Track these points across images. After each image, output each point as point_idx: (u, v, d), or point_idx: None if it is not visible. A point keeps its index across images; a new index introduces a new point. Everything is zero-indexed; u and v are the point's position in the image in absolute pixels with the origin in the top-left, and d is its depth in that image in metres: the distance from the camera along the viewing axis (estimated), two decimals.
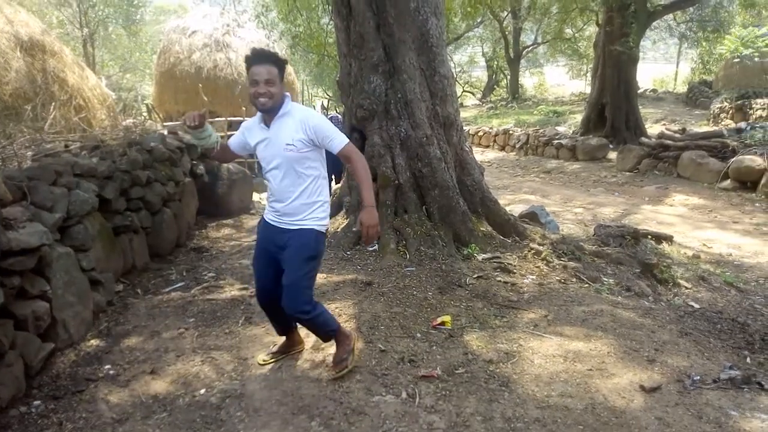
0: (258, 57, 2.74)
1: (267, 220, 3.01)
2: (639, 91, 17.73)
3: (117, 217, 4.60)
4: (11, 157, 4.33)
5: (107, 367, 3.19)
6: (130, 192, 4.88)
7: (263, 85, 2.70)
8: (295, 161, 2.79)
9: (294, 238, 2.85)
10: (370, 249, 2.52)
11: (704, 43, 20.63)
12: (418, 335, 3.61)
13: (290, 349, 3.32)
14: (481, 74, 37.88)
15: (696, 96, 20.23)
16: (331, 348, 3.37)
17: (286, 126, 2.79)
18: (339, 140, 2.82)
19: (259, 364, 3.21)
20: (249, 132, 2.94)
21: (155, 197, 5.27)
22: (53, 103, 6.85)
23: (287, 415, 2.73)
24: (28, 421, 2.69)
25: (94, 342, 3.49)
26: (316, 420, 2.67)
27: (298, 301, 2.82)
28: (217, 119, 12.45)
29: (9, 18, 7.78)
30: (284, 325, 3.25)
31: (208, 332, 3.64)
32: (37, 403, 2.84)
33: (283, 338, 3.31)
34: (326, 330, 3.06)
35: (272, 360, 3.23)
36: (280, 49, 16.79)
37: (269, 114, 2.80)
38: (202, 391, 2.95)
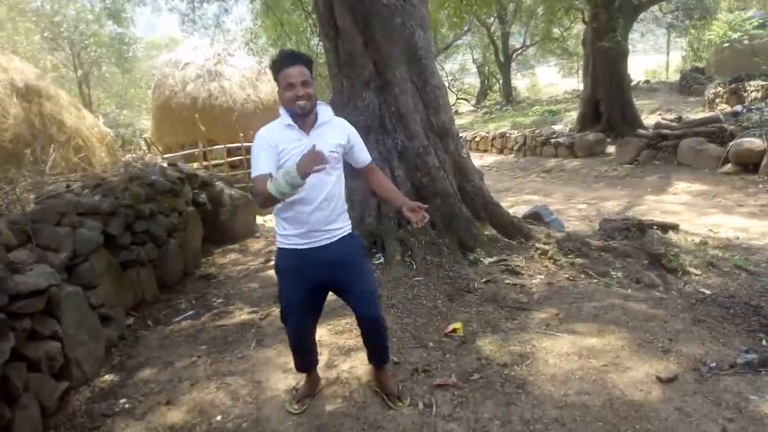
0: (289, 58, 2.54)
1: (298, 247, 2.62)
2: (632, 84, 17.77)
3: (123, 251, 4.63)
4: (14, 201, 4.37)
5: (122, 401, 3.19)
6: (135, 226, 4.91)
7: (301, 87, 2.48)
8: (333, 167, 2.58)
9: (344, 246, 2.65)
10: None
11: (692, 31, 20.73)
12: (431, 344, 3.60)
13: (315, 388, 3.08)
14: (473, 80, 38.12)
15: (689, 83, 20.26)
16: (344, 364, 3.37)
17: (328, 131, 2.60)
18: (366, 152, 2.77)
19: (292, 412, 2.93)
20: (274, 141, 2.52)
21: (160, 229, 5.30)
22: (52, 146, 6.92)
23: None
24: None
25: (108, 377, 3.49)
26: None
27: (378, 308, 2.70)
28: (216, 147, 12.55)
29: (3, 66, 7.89)
30: (313, 359, 3.03)
31: (221, 358, 3.64)
32: None
33: (304, 377, 3.08)
34: (387, 345, 2.90)
35: (304, 407, 2.96)
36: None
37: (306, 117, 2.55)
38: (219, 418, 2.95)
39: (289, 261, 2.66)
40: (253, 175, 2.51)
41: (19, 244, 3.38)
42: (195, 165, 10.19)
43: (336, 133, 2.63)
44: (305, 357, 2.98)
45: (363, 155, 2.75)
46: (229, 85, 15.78)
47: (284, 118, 2.57)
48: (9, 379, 2.68)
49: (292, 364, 3.11)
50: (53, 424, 2.98)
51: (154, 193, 5.53)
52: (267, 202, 2.40)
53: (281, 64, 2.53)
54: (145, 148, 13.59)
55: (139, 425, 2.95)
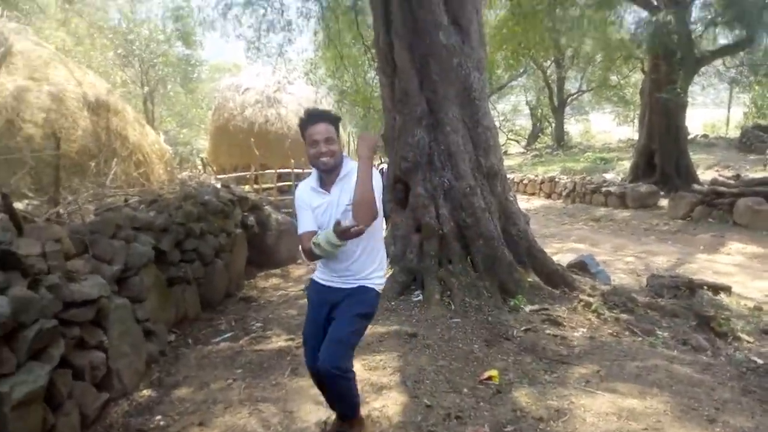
0: (315, 117, 2.65)
1: (319, 281, 2.81)
2: (689, 137, 17.32)
3: (171, 268, 4.78)
4: (76, 211, 4.60)
5: (158, 417, 3.26)
6: (185, 244, 5.07)
7: (324, 144, 2.59)
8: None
9: (353, 294, 2.71)
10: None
11: (757, 87, 20.14)
12: (465, 390, 3.54)
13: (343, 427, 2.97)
14: (525, 122, 37.95)
15: (750, 141, 19.58)
16: (375, 402, 3.35)
17: (347, 186, 2.62)
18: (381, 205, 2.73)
19: None
20: (306, 202, 2.71)
21: (208, 249, 5.45)
22: (115, 159, 7.25)
23: None
24: None
25: (146, 392, 3.58)
26: None
27: (337, 356, 2.58)
28: (267, 171, 12.87)
29: (79, 80, 8.39)
30: None
31: (256, 383, 3.68)
32: None
33: (335, 413, 3.00)
34: (352, 400, 2.80)
35: None
36: (328, 103, 17.40)
37: (330, 174, 2.67)
38: None
39: (311, 291, 2.87)
40: (299, 232, 2.73)
41: (77, 254, 3.54)
42: (246, 188, 10.47)
43: (351, 185, 2.60)
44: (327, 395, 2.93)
45: (383, 205, 2.80)
46: (286, 113, 16.24)
47: (312, 177, 2.75)
48: (55, 385, 2.78)
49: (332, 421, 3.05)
50: None
51: (206, 213, 5.72)
52: (313, 257, 2.65)
53: (307, 121, 2.64)
54: (200, 167, 14.08)
55: None
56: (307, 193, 2.74)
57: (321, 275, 2.82)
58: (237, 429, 3.12)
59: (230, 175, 12.85)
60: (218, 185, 7.50)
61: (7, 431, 2.37)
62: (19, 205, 3.91)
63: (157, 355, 4.05)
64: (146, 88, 24.41)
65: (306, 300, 3.15)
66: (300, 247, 2.76)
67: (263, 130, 15.80)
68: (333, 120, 2.68)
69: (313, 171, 2.74)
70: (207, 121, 21.85)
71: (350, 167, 2.69)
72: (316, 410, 3.31)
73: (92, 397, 3.14)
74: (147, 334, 3.94)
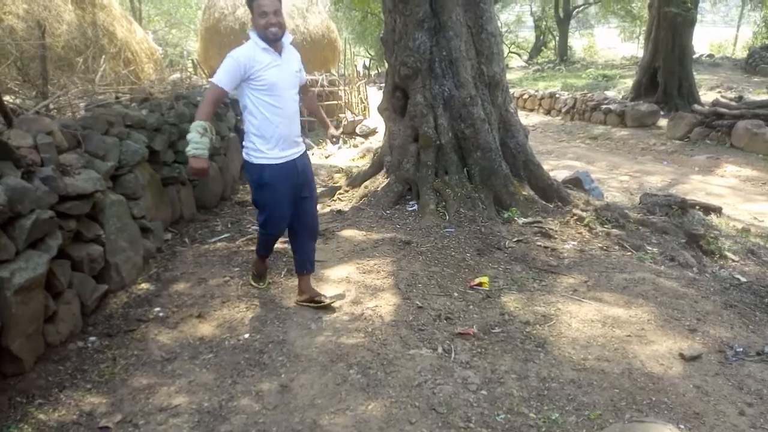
0: None
1: (280, 160, 3.12)
2: (694, 56, 16.89)
3: (165, 168, 4.72)
4: (66, 107, 4.47)
5: (157, 309, 3.35)
6: (178, 144, 4.98)
7: (273, 16, 2.93)
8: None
9: (305, 158, 3.30)
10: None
11: None
12: (455, 294, 3.65)
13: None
14: (528, 35, 36.66)
15: (756, 62, 19.14)
16: (369, 302, 3.45)
17: (294, 54, 3.20)
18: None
19: (260, 287, 3.67)
20: (251, 61, 2.96)
21: None
22: (103, 56, 6.98)
23: (326, 362, 2.82)
24: (84, 355, 2.87)
25: (144, 286, 3.65)
26: (353, 368, 2.76)
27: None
28: None
29: None
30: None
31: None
32: (92, 339, 3.01)
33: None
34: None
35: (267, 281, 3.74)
36: (324, 6, 16.62)
37: (276, 43, 3.02)
38: (246, 335, 3.07)
39: (273, 173, 3.11)
40: (214, 79, 3.01)
41: (69, 148, 3.47)
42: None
43: (296, 56, 3.24)
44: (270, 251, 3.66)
45: (304, 75, 3.38)
46: None
47: (258, 42, 3.00)
48: (55, 275, 2.82)
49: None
50: (92, 322, 3.15)
51: None
52: (202, 115, 3.00)
53: None
54: (191, 69, 13.60)
55: (171, 333, 3.09)
56: (257, 52, 3.00)
57: (280, 153, 3.16)
58: (235, 321, 3.22)
59: None
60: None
61: (10, 315, 2.42)
62: (6, 98, 3.78)
63: (155, 252, 4.09)
64: None
65: None
66: (205, 96, 3.07)
67: None
68: None
69: (254, 37, 3.01)
70: (197, 21, 20.93)
71: (289, 39, 3.13)
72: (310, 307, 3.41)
73: (91, 287, 3.20)
74: (144, 230, 3.95)
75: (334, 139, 3.68)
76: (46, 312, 2.74)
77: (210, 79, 3.07)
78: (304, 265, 3.41)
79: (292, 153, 3.17)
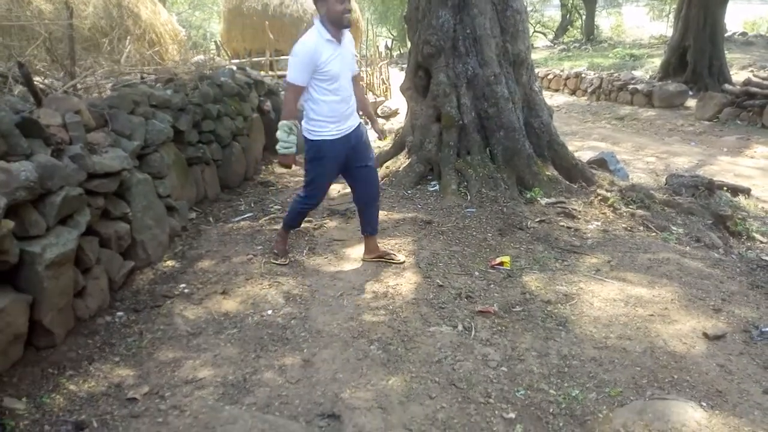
0: None
1: (337, 134, 3.31)
2: (726, 34, 16.34)
3: (190, 148, 4.79)
4: (92, 87, 4.54)
5: (182, 286, 3.42)
6: (202, 125, 5.04)
7: (348, 3, 3.06)
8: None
9: (359, 130, 3.44)
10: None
11: None
12: (476, 273, 3.65)
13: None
14: (554, 13, 35.86)
15: None
16: (391, 280, 3.48)
17: (349, 40, 3.33)
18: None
19: (282, 264, 3.73)
20: (318, 54, 3.11)
21: (225, 131, 5.43)
22: (128, 37, 7.06)
23: (348, 338, 2.86)
24: (112, 330, 2.95)
25: (170, 263, 3.73)
26: (374, 344, 2.79)
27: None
28: (283, 57, 12.49)
29: None
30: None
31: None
32: (120, 314, 3.09)
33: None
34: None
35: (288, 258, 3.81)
36: None
37: (341, 30, 3.19)
38: (269, 312, 3.12)
39: (330, 147, 3.32)
40: (289, 79, 3.19)
41: (97, 127, 3.54)
42: (261, 73, 10.22)
43: (351, 41, 3.36)
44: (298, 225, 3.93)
45: (355, 64, 3.51)
46: None
47: (322, 32, 3.12)
48: (84, 251, 2.90)
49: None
50: (119, 298, 3.24)
51: (222, 95, 5.63)
52: (287, 114, 3.30)
53: None
54: (214, 50, 13.67)
55: (196, 309, 3.16)
56: (320, 44, 3.11)
57: (337, 127, 3.35)
58: (258, 298, 3.27)
59: (245, 60, 12.51)
60: (234, 69, 7.32)
61: (42, 289, 2.50)
62: (36, 78, 3.85)
63: (180, 230, 4.17)
64: None
65: None
66: (286, 95, 3.30)
67: (278, 12, 15.09)
68: None
69: (320, 27, 3.13)
70: (220, 3, 20.93)
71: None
72: (332, 285, 3.45)
73: (119, 264, 3.28)
74: (169, 209, 4.02)
75: (379, 136, 3.90)
76: (75, 287, 2.82)
77: (286, 80, 3.26)
78: (366, 227, 3.71)
79: (347, 127, 3.35)
